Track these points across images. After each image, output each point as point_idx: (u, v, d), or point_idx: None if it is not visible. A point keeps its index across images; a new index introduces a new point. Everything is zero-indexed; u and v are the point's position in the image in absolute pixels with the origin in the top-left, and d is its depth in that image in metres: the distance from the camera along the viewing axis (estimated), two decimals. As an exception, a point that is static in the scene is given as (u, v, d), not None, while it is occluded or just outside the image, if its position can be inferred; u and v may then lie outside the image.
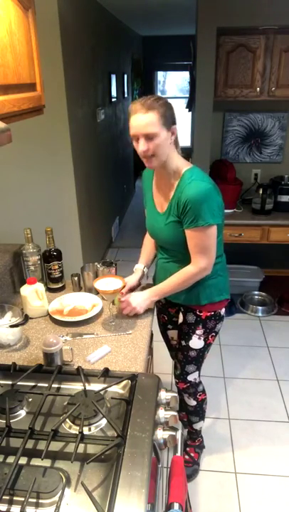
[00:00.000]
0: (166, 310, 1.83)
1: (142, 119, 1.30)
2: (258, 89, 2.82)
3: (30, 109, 1.28)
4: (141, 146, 1.34)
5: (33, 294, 1.54)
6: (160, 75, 7.88)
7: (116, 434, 0.96)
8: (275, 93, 2.83)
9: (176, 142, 1.42)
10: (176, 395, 1.15)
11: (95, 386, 1.14)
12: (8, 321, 1.42)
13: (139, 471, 0.88)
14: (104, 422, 1.04)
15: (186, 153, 1.52)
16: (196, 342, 1.66)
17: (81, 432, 0.98)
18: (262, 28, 2.68)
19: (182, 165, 1.44)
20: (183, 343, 1.69)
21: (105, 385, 1.13)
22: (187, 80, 6.40)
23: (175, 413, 1.09)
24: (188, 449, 1.99)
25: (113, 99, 4.43)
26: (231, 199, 3.03)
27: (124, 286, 1.54)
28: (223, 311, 1.66)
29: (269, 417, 2.25)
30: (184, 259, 1.50)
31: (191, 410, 1.88)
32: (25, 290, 1.54)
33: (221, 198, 1.45)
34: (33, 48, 1.30)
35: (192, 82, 3.43)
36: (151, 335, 1.57)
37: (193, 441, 2.01)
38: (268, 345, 2.84)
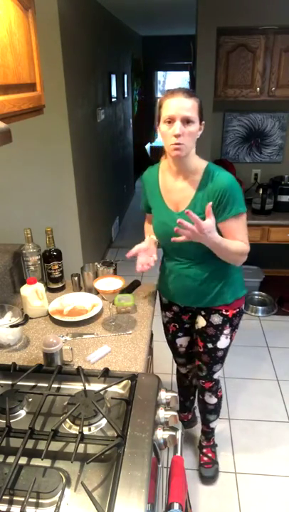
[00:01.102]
0: (178, 318, 1.75)
1: (185, 102, 1.31)
2: (258, 89, 2.82)
3: (30, 109, 1.28)
4: (177, 129, 1.31)
5: (33, 294, 1.54)
6: (160, 75, 7.89)
7: (116, 434, 0.96)
8: (275, 93, 2.83)
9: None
10: (176, 394, 1.15)
11: (95, 386, 1.14)
12: (8, 321, 1.42)
13: (139, 471, 0.88)
14: (104, 422, 1.04)
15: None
16: (223, 342, 1.64)
17: (81, 432, 0.97)
18: (262, 28, 2.68)
19: (201, 161, 1.45)
20: (209, 345, 1.65)
21: (105, 385, 1.13)
22: (187, 80, 6.41)
23: (175, 413, 1.09)
24: (204, 450, 1.98)
25: (113, 99, 4.43)
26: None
27: (124, 286, 1.51)
28: (243, 305, 1.66)
29: (269, 417, 2.25)
30: (206, 261, 1.48)
31: (211, 409, 1.88)
32: (25, 290, 1.54)
33: None
34: (33, 48, 1.30)
35: (192, 82, 3.43)
36: (151, 335, 1.57)
37: (208, 441, 2.00)
38: (268, 345, 2.84)
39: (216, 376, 1.77)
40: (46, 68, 1.53)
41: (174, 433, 1.04)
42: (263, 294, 3.39)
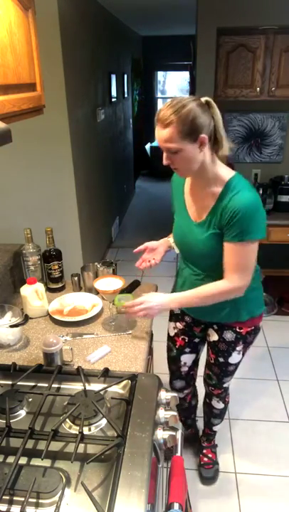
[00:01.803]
0: (190, 330, 1.65)
1: (160, 134, 1.21)
2: (258, 89, 2.82)
3: (30, 109, 1.28)
4: (164, 160, 1.26)
5: (33, 294, 1.54)
6: (160, 75, 7.88)
7: (116, 434, 0.96)
8: (275, 93, 2.83)
9: (214, 148, 1.28)
10: (176, 394, 1.15)
11: (95, 386, 1.14)
12: (8, 321, 1.42)
13: (139, 471, 0.88)
14: (104, 422, 1.04)
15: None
16: (235, 357, 1.58)
17: (81, 432, 0.98)
18: (262, 28, 2.68)
19: (224, 172, 1.32)
20: (221, 359, 1.59)
21: (105, 385, 1.13)
22: (187, 80, 6.41)
23: (175, 413, 1.09)
24: (204, 450, 1.97)
25: (113, 99, 4.43)
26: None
27: (124, 287, 1.48)
28: (261, 323, 1.56)
29: (269, 417, 2.25)
30: (220, 275, 1.34)
31: (217, 413, 1.84)
32: (25, 290, 1.54)
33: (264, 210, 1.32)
34: (33, 48, 1.30)
35: (192, 82, 3.43)
36: (151, 335, 1.57)
37: (209, 443, 1.98)
38: (268, 345, 2.84)
39: (226, 385, 1.73)
40: (46, 68, 1.53)
41: (174, 433, 1.04)
42: (263, 294, 3.38)
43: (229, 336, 1.53)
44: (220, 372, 1.65)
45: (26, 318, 1.43)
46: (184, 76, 7.31)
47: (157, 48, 7.03)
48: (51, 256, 1.70)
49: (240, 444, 2.10)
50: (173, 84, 8.13)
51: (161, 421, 1.07)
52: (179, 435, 1.06)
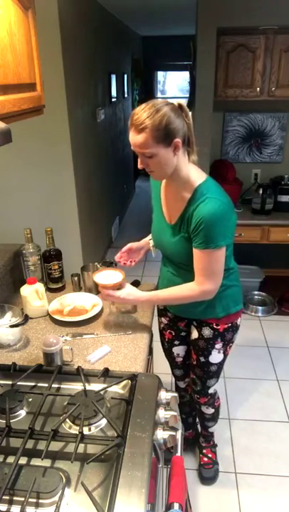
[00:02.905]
0: (174, 325, 1.69)
1: (135, 140, 1.21)
2: (258, 89, 2.82)
3: (30, 109, 1.28)
4: (139, 164, 1.27)
5: (33, 294, 1.54)
6: (160, 75, 7.88)
7: (116, 434, 0.96)
8: (275, 93, 2.83)
9: (188, 151, 1.30)
10: (176, 394, 1.15)
11: (95, 386, 1.14)
12: (8, 321, 1.42)
13: (139, 471, 0.88)
14: (104, 422, 1.04)
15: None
16: (215, 356, 1.58)
17: (81, 432, 0.98)
18: (262, 28, 2.68)
19: (195, 177, 1.31)
20: (202, 359, 1.60)
21: (105, 385, 1.13)
22: (187, 80, 6.40)
23: (175, 413, 1.09)
24: (204, 450, 1.97)
25: (113, 99, 4.43)
26: (231, 199, 3.03)
27: (123, 280, 1.43)
28: (239, 320, 1.58)
29: (269, 417, 2.25)
30: (192, 275, 1.38)
31: (209, 418, 1.85)
32: (25, 290, 1.54)
33: (235, 215, 1.35)
34: (33, 48, 1.30)
35: (192, 82, 3.43)
36: (151, 335, 1.57)
37: (208, 443, 1.98)
38: (268, 345, 2.84)
39: (211, 391, 1.72)
40: (46, 68, 1.53)
41: (174, 433, 1.04)
42: (263, 294, 3.39)
43: (207, 332, 1.54)
44: (202, 374, 1.64)
45: (26, 318, 1.43)
46: (184, 76, 7.31)
47: (157, 48, 7.03)
48: (51, 256, 1.70)
49: (240, 444, 2.10)
50: (173, 84, 8.13)
51: (161, 421, 1.07)
52: (179, 435, 1.06)
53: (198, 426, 2.00)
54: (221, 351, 1.59)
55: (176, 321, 1.68)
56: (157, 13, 4.47)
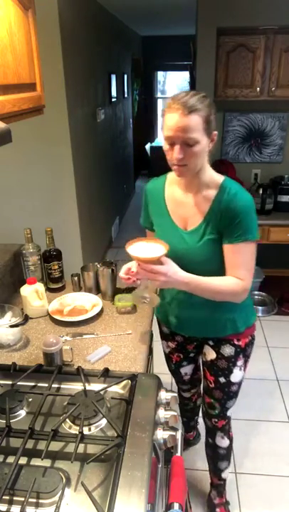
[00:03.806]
0: (183, 348, 1.59)
1: (183, 122, 1.09)
2: (258, 89, 2.82)
3: (30, 109, 1.28)
4: (176, 153, 1.14)
5: (33, 294, 1.54)
6: (160, 75, 7.88)
7: (116, 434, 0.96)
8: (275, 93, 2.83)
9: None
10: (176, 394, 1.15)
11: (95, 386, 1.14)
12: (8, 321, 1.42)
13: (139, 471, 0.88)
14: (104, 422, 1.04)
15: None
16: (237, 375, 1.46)
17: (81, 432, 0.97)
18: (262, 28, 2.68)
19: (216, 175, 1.27)
20: (222, 380, 1.47)
21: (105, 385, 1.13)
22: (187, 80, 6.41)
23: (175, 413, 1.09)
24: (218, 509, 1.73)
25: (113, 99, 4.43)
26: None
27: (166, 253, 1.18)
28: (255, 331, 1.49)
29: (269, 417, 2.25)
30: None
31: (223, 454, 1.66)
32: (25, 290, 1.54)
33: None
34: (33, 48, 1.30)
35: (192, 82, 3.43)
36: (151, 335, 1.57)
37: (221, 497, 1.74)
38: (268, 345, 2.84)
39: (229, 413, 1.57)
40: (46, 68, 1.53)
41: (174, 433, 1.04)
42: (263, 294, 3.39)
43: (228, 350, 1.43)
44: (222, 395, 1.50)
45: (26, 318, 1.43)
46: (184, 76, 7.31)
47: (157, 48, 7.03)
48: (51, 256, 1.70)
49: (240, 444, 2.10)
50: (173, 84, 8.13)
51: (161, 421, 1.07)
52: (179, 435, 1.06)
53: (209, 475, 1.79)
54: (242, 368, 1.48)
55: (185, 345, 1.58)
56: (157, 13, 4.47)
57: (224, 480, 1.74)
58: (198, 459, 1.99)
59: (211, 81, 2.84)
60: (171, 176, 1.36)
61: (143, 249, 1.18)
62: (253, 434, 2.16)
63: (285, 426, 2.20)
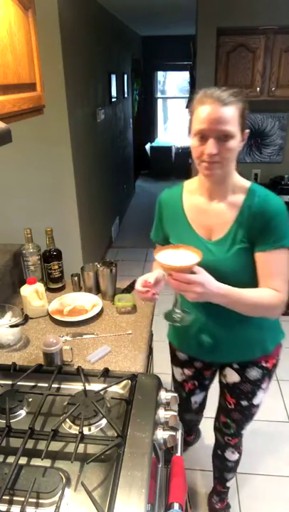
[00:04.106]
0: (199, 375, 1.47)
1: (219, 113, 1.03)
2: (258, 89, 2.82)
3: (30, 109, 1.28)
4: (210, 148, 1.05)
5: (33, 294, 1.54)
6: (160, 75, 7.88)
7: (116, 434, 0.96)
8: (275, 93, 2.83)
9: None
10: (176, 394, 1.15)
11: (95, 386, 1.14)
12: (8, 321, 1.42)
13: (139, 471, 0.88)
14: (104, 422, 1.04)
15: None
16: (260, 397, 1.38)
17: (81, 432, 0.97)
18: (262, 28, 2.68)
19: (243, 179, 1.19)
20: (244, 403, 1.38)
21: (105, 385, 1.13)
22: (187, 80, 6.40)
23: (175, 413, 1.09)
24: None
25: (113, 99, 4.43)
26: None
27: (199, 262, 1.04)
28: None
29: (269, 417, 2.25)
30: None
31: (231, 467, 1.63)
32: (25, 290, 1.54)
33: None
34: (33, 48, 1.30)
35: (192, 82, 3.43)
36: (151, 335, 1.57)
37: (222, 502, 1.73)
38: (268, 345, 2.84)
39: (244, 431, 1.52)
40: (46, 68, 1.53)
41: (173, 433, 1.04)
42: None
43: (254, 373, 1.32)
44: (242, 417, 1.43)
45: (26, 318, 1.43)
46: (184, 76, 7.31)
47: (157, 48, 7.03)
48: (51, 256, 1.70)
49: (240, 444, 2.10)
50: (173, 84, 8.13)
51: (161, 421, 1.07)
52: (179, 435, 1.06)
53: (213, 481, 1.76)
54: (266, 390, 1.39)
55: (203, 370, 1.46)
56: (157, 13, 4.47)
57: (228, 487, 1.72)
58: (198, 458, 1.99)
59: (211, 81, 2.84)
60: (189, 185, 1.27)
61: (172, 257, 1.07)
62: (253, 434, 2.16)
63: (285, 426, 2.20)
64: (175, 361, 1.53)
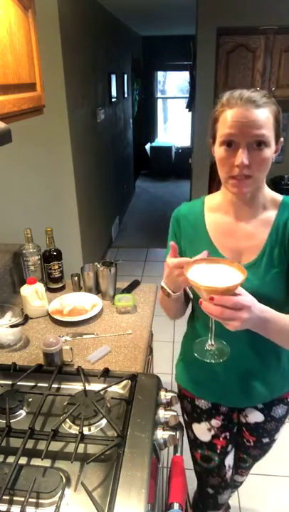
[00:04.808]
0: (230, 421, 1.23)
1: (251, 116, 0.87)
2: (258, 89, 2.82)
3: (30, 109, 1.28)
4: (241, 158, 0.88)
5: (33, 294, 1.54)
6: (160, 75, 7.88)
7: (116, 434, 0.96)
8: (275, 93, 2.84)
9: None
10: (175, 394, 1.15)
11: (95, 386, 1.14)
12: (8, 321, 1.42)
13: (139, 471, 0.88)
14: (104, 422, 1.04)
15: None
16: (281, 431, 1.27)
17: (81, 432, 0.98)
18: (262, 28, 2.68)
19: (274, 193, 1.05)
20: (265, 440, 1.27)
21: (105, 385, 1.13)
22: (187, 80, 6.41)
23: (175, 413, 1.09)
24: None
25: (113, 99, 4.43)
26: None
27: (242, 282, 0.81)
28: None
29: (269, 417, 2.25)
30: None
31: (237, 485, 1.56)
32: (25, 290, 1.54)
33: None
34: (33, 48, 1.30)
35: (192, 82, 3.43)
36: (151, 335, 1.57)
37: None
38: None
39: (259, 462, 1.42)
40: (46, 68, 1.53)
41: (173, 433, 1.04)
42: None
43: (280, 411, 1.20)
44: (261, 453, 1.34)
45: (26, 318, 1.43)
46: (184, 76, 7.31)
47: (157, 48, 7.04)
48: (51, 256, 1.70)
49: (240, 444, 2.10)
50: (173, 84, 8.13)
51: (161, 421, 1.07)
52: (179, 435, 1.06)
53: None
54: (287, 423, 1.26)
55: (232, 414, 1.22)
56: (157, 13, 4.47)
57: (229, 507, 1.61)
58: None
59: (211, 81, 2.85)
60: (210, 200, 1.11)
61: (206, 274, 0.85)
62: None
63: (285, 426, 2.20)
64: (195, 415, 1.22)
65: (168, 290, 1.02)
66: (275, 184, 3.11)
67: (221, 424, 1.20)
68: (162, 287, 1.04)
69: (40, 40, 1.34)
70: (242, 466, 1.42)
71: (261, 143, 0.89)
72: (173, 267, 0.92)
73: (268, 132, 0.89)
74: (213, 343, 0.94)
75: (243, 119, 0.88)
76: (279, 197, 1.04)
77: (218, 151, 0.94)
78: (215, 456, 1.23)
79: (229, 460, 1.26)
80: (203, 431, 1.22)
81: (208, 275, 0.84)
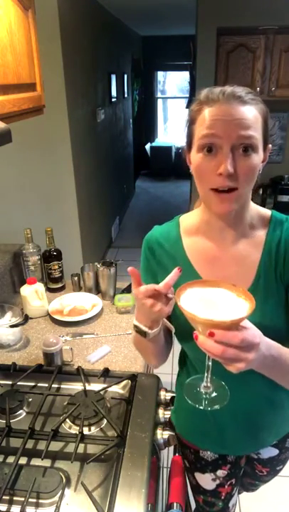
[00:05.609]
0: (237, 468, 1.10)
1: (237, 113, 0.72)
2: (258, 89, 2.82)
3: (30, 109, 1.28)
4: (224, 165, 0.71)
5: (33, 294, 1.54)
6: (160, 75, 7.88)
7: (116, 434, 0.96)
8: (275, 93, 2.84)
9: None
10: (173, 433, 1.05)
11: (95, 386, 1.14)
12: (8, 321, 1.42)
13: (139, 471, 0.88)
14: (104, 422, 1.04)
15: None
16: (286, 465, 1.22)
17: (81, 432, 0.98)
18: (262, 28, 2.68)
19: (261, 209, 0.90)
20: (278, 467, 1.21)
21: (105, 385, 1.13)
22: (187, 80, 6.40)
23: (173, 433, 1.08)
24: None
25: (113, 99, 4.43)
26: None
27: (248, 315, 0.64)
28: None
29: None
30: None
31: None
32: (25, 290, 1.54)
33: None
34: (33, 48, 1.30)
35: (192, 82, 3.43)
36: (151, 335, 1.57)
37: None
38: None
39: None
40: (46, 68, 1.53)
41: (173, 433, 1.04)
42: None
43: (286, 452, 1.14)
44: (270, 478, 1.29)
45: (26, 318, 1.43)
46: (184, 76, 7.31)
47: (157, 48, 7.03)
48: (51, 256, 1.70)
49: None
50: (173, 84, 8.13)
51: (161, 421, 1.07)
52: (179, 435, 1.06)
53: None
54: None
55: (238, 461, 1.09)
56: (157, 13, 4.47)
57: None
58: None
59: (211, 81, 2.85)
60: (186, 222, 0.93)
61: (202, 301, 0.67)
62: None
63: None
64: (199, 465, 1.08)
65: (143, 328, 0.84)
66: (275, 184, 3.11)
67: (227, 473, 1.07)
68: (135, 326, 0.86)
69: (40, 40, 1.34)
70: (252, 489, 1.43)
71: (248, 147, 0.73)
72: (142, 297, 0.76)
73: (257, 135, 0.74)
74: (209, 384, 0.75)
75: (227, 116, 0.72)
76: (267, 212, 0.88)
77: (195, 159, 0.77)
78: (219, 502, 1.12)
79: (234, 500, 1.16)
80: (207, 481, 1.09)
81: (205, 302, 0.67)
